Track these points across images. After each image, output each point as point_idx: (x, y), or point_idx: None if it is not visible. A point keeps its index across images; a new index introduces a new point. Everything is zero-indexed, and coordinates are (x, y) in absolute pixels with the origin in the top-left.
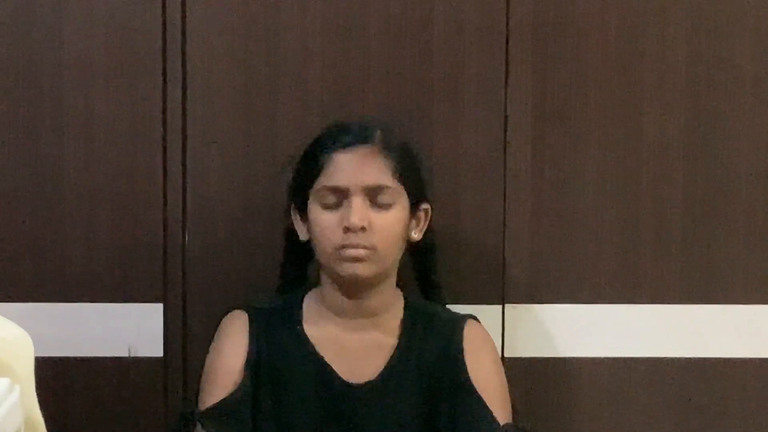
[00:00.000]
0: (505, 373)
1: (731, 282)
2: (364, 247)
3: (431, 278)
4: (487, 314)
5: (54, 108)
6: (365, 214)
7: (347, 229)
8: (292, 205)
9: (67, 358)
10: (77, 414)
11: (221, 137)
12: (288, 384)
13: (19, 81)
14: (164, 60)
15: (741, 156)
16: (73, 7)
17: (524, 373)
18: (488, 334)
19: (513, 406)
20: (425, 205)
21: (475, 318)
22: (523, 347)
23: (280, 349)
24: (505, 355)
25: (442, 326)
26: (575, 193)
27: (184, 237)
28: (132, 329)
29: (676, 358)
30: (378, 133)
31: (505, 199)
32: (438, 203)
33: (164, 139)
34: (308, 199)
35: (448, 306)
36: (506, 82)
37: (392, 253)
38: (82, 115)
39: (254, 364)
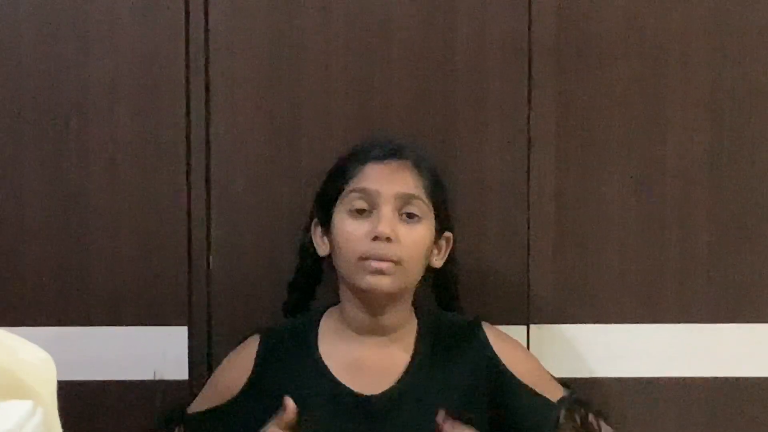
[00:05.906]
0: None
1: (758, 300)
2: (389, 259)
3: (453, 306)
4: (513, 334)
5: (78, 132)
6: (394, 224)
7: (375, 239)
8: (314, 220)
9: (92, 382)
10: None
11: (245, 160)
12: (299, 406)
13: (44, 107)
14: (187, 84)
15: (766, 174)
16: (97, 34)
17: None
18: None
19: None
20: (448, 234)
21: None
22: (548, 367)
23: (290, 371)
24: None
25: (461, 332)
26: (599, 214)
27: (208, 259)
28: (157, 352)
29: (703, 377)
30: (410, 150)
31: (528, 220)
32: (462, 224)
33: (188, 162)
34: (333, 210)
35: None
36: (529, 103)
37: (415, 269)
38: (107, 140)
39: (256, 385)
